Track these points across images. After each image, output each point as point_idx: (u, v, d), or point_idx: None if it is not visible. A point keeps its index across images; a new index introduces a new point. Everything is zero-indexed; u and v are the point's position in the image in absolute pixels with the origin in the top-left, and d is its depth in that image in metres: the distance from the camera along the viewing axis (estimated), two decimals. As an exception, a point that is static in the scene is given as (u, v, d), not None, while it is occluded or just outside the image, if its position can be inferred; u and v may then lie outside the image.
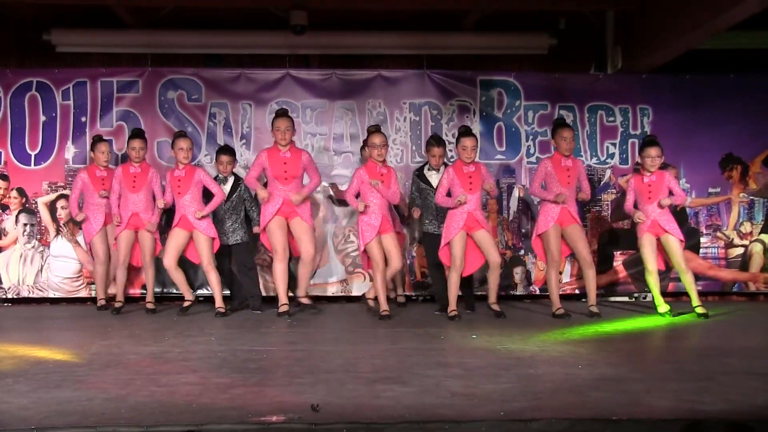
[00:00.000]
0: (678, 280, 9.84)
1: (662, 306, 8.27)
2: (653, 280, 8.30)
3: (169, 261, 8.49)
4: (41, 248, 9.70)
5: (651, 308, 8.61)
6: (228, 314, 8.45)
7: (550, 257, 8.38)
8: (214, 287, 8.58)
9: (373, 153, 8.24)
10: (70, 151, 9.79)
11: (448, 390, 4.57)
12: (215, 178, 8.85)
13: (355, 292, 9.64)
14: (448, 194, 8.21)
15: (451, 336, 6.91)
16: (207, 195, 8.64)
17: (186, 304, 8.65)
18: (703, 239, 10.07)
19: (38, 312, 9.13)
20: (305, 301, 8.62)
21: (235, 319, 8.17)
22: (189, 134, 9.68)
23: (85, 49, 10.40)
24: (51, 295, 9.70)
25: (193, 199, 8.49)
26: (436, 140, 8.83)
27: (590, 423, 3.82)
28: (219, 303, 8.53)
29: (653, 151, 8.27)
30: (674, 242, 8.20)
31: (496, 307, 8.23)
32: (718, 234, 10.10)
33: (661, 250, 8.34)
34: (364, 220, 8.16)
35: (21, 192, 9.70)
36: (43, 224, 9.71)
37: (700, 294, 8.95)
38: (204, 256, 8.49)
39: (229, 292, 9.16)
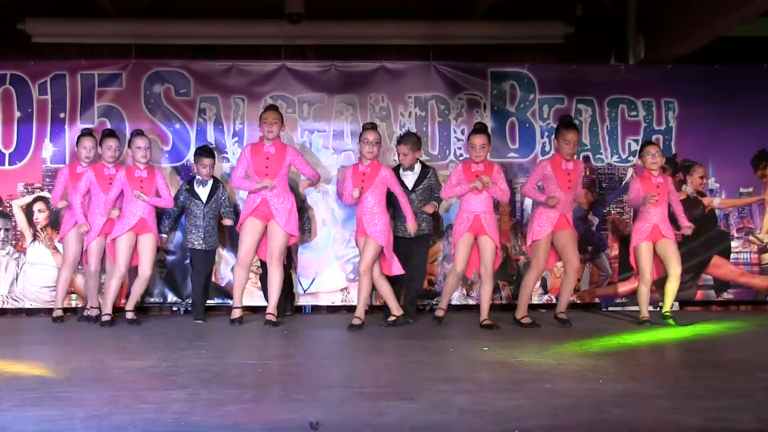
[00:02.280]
0: (707, 288, 9.89)
1: (645, 316, 8.55)
2: (647, 291, 8.60)
3: (146, 271, 8.71)
4: (16, 255, 9.70)
5: (677, 318, 8.61)
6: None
7: (536, 263, 8.52)
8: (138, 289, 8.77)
9: (364, 149, 8.36)
10: (47, 149, 9.78)
11: (458, 406, 4.57)
12: (193, 180, 9.09)
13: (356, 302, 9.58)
14: None
15: (461, 348, 6.92)
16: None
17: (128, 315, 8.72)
18: (734, 243, 10.06)
19: (14, 324, 9.12)
20: (270, 317, 8.58)
21: (227, 332, 8.18)
22: (176, 131, 9.78)
23: (64, 39, 10.37)
24: (27, 306, 9.69)
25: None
26: (399, 138, 8.97)
27: (611, 441, 3.83)
28: (130, 306, 8.75)
29: (651, 149, 8.49)
30: (672, 246, 8.43)
31: (487, 322, 8.28)
32: (751, 238, 10.09)
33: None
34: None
35: (-5, 198, 9.73)
36: (18, 229, 9.71)
37: (732, 302, 8.95)
38: (148, 260, 8.70)
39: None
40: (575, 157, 8.61)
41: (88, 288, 8.85)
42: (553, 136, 8.86)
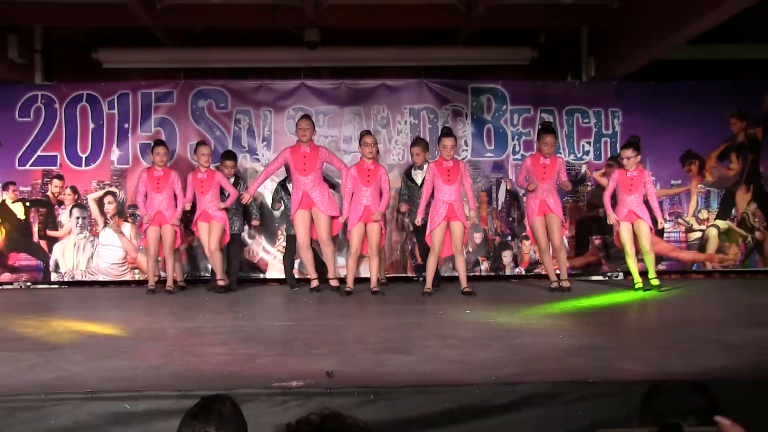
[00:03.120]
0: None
1: (638, 283, 8.30)
2: (632, 261, 8.38)
3: (210, 248, 8.64)
4: (91, 238, 9.71)
5: (622, 285, 8.66)
6: (231, 290, 8.65)
7: (538, 242, 8.49)
8: (218, 266, 8.68)
9: (365, 151, 8.35)
10: (115, 153, 9.80)
11: (446, 358, 4.58)
12: None
13: (364, 274, 9.48)
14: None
15: (449, 312, 6.90)
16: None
17: (220, 284, 8.65)
18: (666, 225, 10.03)
19: (90, 293, 9.13)
20: (334, 283, 8.57)
21: (259, 299, 8.18)
22: (217, 138, 9.77)
23: (128, 65, 10.38)
24: (100, 279, 9.72)
25: (213, 197, 8.64)
26: (413, 141, 9.12)
27: (570, 385, 3.81)
28: (220, 277, 8.66)
29: (625, 153, 8.38)
30: (645, 227, 8.27)
31: (467, 289, 8.17)
32: (679, 220, 10.07)
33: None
34: (351, 207, 8.35)
35: (74, 189, 9.71)
36: (92, 217, 9.72)
37: (665, 272, 8.94)
38: (213, 240, 8.61)
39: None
40: (557, 155, 8.67)
41: (149, 268, 8.81)
42: (535, 139, 8.87)
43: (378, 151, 8.69)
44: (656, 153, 9.97)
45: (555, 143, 8.62)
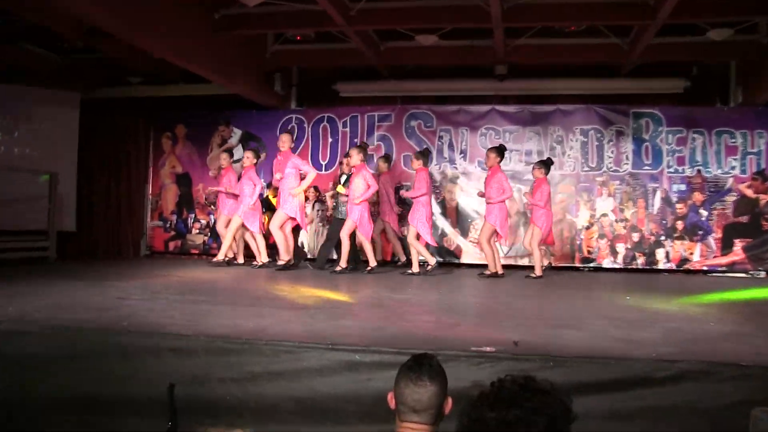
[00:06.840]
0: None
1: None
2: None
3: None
4: (328, 226, 10.02)
5: (765, 282, 7.82)
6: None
7: None
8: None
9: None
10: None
11: (612, 336, 4.35)
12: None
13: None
14: None
15: (610, 297, 6.58)
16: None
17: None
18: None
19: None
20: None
21: (456, 279, 8.09)
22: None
23: (358, 93, 10.58)
24: (333, 257, 9.94)
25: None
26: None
27: (723, 366, 3.51)
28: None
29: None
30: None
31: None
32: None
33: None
34: None
35: (316, 189, 10.01)
36: (328, 210, 10.04)
37: None
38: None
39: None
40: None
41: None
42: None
43: (424, 163, 8.26)
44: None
45: (492, 157, 8.13)
